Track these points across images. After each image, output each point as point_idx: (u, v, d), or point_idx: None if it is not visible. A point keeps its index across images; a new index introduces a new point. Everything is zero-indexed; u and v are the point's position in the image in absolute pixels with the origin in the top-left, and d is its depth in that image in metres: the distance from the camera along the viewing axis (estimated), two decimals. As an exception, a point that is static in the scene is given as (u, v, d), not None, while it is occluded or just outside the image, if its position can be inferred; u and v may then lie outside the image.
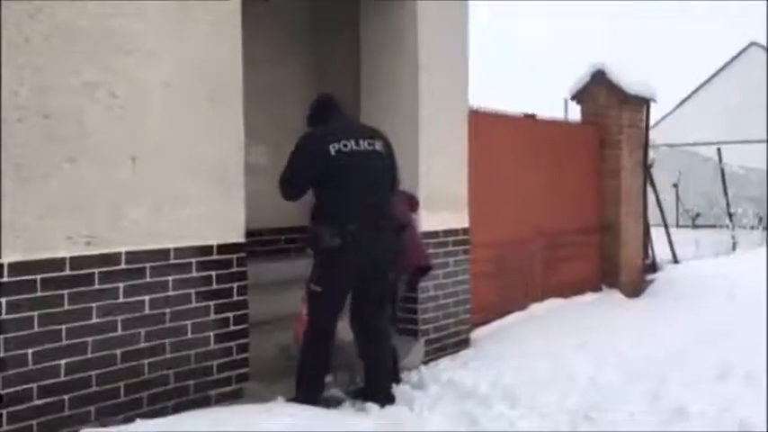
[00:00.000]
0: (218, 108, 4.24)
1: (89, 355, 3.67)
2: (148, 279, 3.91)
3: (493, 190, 6.67)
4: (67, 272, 3.58)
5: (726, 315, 6.79)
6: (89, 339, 3.66)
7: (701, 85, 24.32)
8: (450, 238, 5.88)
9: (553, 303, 7.30)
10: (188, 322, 4.09)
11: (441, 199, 5.72)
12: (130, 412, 3.80)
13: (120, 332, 3.78)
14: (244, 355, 4.37)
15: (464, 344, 5.96)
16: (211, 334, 4.21)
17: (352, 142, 4.28)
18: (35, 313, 3.47)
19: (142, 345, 3.88)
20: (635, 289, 8.62)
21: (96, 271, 3.69)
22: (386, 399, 4.41)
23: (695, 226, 16.46)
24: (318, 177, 4.24)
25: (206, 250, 4.18)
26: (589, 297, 7.86)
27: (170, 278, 4.01)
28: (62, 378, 3.57)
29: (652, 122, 9.83)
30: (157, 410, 3.91)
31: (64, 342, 3.57)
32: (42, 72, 3.50)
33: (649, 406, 4.29)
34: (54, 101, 3.54)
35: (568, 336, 6.03)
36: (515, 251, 7.09)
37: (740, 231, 13.38)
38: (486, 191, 6.41)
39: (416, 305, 5.60)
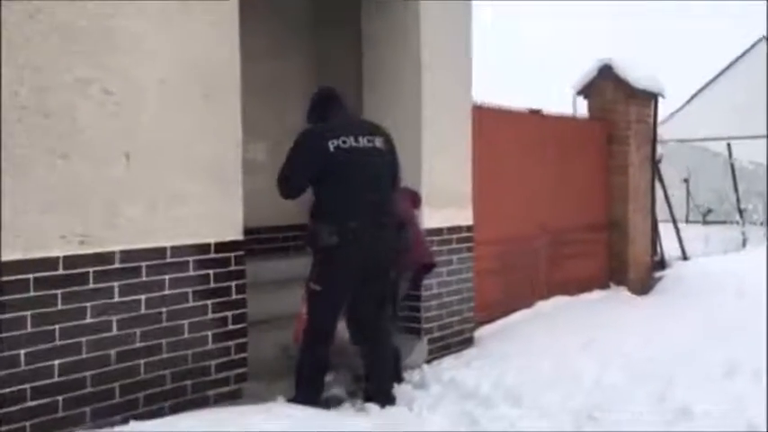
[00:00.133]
0: (215, 105, 4.19)
1: (83, 356, 3.62)
2: (144, 278, 3.86)
3: (498, 186, 6.59)
4: (61, 271, 3.53)
5: (735, 312, 6.68)
6: (83, 339, 3.62)
7: (711, 81, 24.14)
8: (454, 236, 5.81)
9: (559, 301, 7.21)
10: (185, 321, 4.04)
11: (444, 196, 5.65)
12: (126, 413, 3.75)
13: (115, 332, 3.74)
14: (242, 355, 4.31)
15: (468, 342, 5.88)
16: (209, 333, 4.16)
17: (352, 139, 4.21)
18: (28, 313, 3.43)
19: (138, 345, 3.84)
20: (643, 286, 8.51)
21: (90, 270, 3.65)
22: (386, 399, 4.35)
23: (706, 222, 16.30)
24: (317, 175, 4.17)
25: (203, 248, 4.13)
26: (596, 294, 7.76)
27: (166, 277, 3.96)
28: (56, 379, 3.53)
29: (662, 118, 9.75)
30: (154, 411, 3.86)
31: (57, 342, 3.53)
32: (40, 70, 3.47)
33: (654, 406, 4.20)
34: (47, 98, 3.49)
35: (574, 334, 5.93)
36: (521, 248, 7.01)
37: (750, 227, 13.24)
38: (491, 187, 6.33)
39: (419, 303, 5.53)
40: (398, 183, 4.61)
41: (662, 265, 9.35)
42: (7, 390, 3.37)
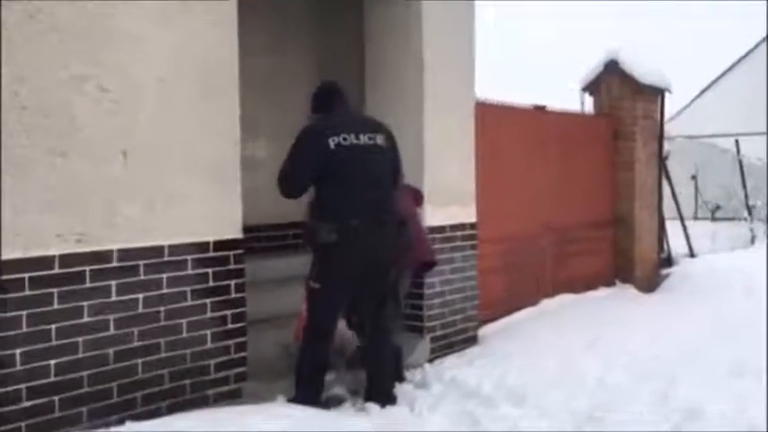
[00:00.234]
0: (214, 103, 4.15)
1: (80, 355, 3.59)
2: (142, 277, 3.83)
3: (502, 183, 6.54)
4: (57, 270, 3.50)
5: (742, 310, 6.62)
6: (80, 339, 3.59)
7: (719, 77, 23.95)
8: (458, 233, 5.75)
9: (565, 299, 7.15)
10: (183, 320, 4.01)
11: (447, 193, 5.60)
12: (124, 413, 3.72)
13: (112, 331, 3.71)
14: (242, 354, 4.28)
15: (472, 341, 5.83)
16: (208, 332, 4.12)
17: (353, 136, 4.17)
18: (23, 312, 3.40)
19: (136, 344, 3.80)
20: (649, 284, 8.45)
21: (87, 269, 3.62)
22: (387, 399, 4.30)
23: (714, 219, 16.18)
24: (318, 172, 4.13)
25: (202, 247, 4.10)
26: (602, 292, 7.70)
27: (164, 276, 3.93)
28: (52, 379, 3.50)
29: (670, 115, 9.65)
30: (152, 411, 3.83)
31: (54, 342, 3.50)
32: (39, 69, 3.45)
33: (658, 406, 4.14)
34: (45, 97, 3.47)
35: (579, 332, 5.88)
36: (525, 246, 6.96)
37: (759, 224, 13.12)
38: (495, 184, 6.29)
39: (422, 302, 5.48)
40: (400, 180, 4.56)
41: (669, 262, 9.27)
42: (2, 390, 3.34)
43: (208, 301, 4.12)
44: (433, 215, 5.48)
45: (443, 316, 5.61)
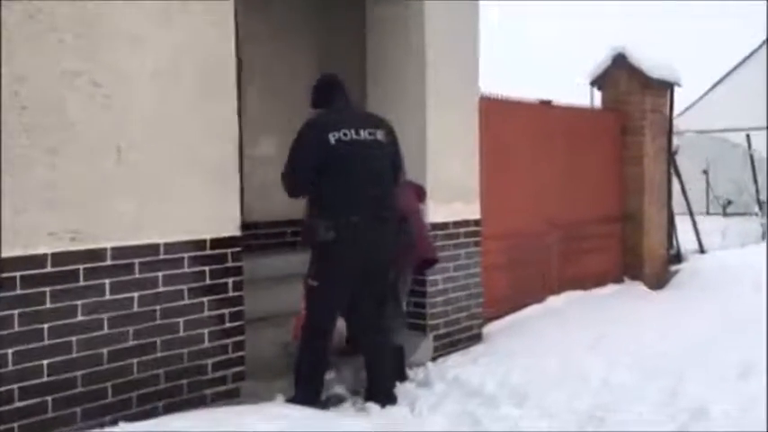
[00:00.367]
0: (211, 98, 4.09)
1: (74, 355, 3.54)
2: (137, 275, 3.78)
3: (508, 179, 6.46)
4: (49, 268, 3.45)
5: (752, 307, 6.51)
6: (73, 338, 3.54)
7: (730, 72, 23.74)
8: (461, 230, 5.68)
9: (571, 296, 7.06)
10: (180, 319, 3.95)
11: (450, 190, 5.52)
12: (119, 413, 3.67)
13: (106, 330, 3.65)
14: (240, 353, 4.22)
15: (476, 339, 5.76)
16: (205, 331, 4.06)
17: (353, 131, 4.11)
18: (15, 312, 3.35)
19: (131, 343, 3.75)
20: (658, 280, 8.34)
21: (81, 267, 3.56)
22: (387, 398, 4.24)
23: (726, 214, 16.03)
24: (318, 168, 4.07)
25: (199, 245, 4.04)
26: (609, 289, 7.60)
27: (160, 274, 3.87)
28: (45, 379, 3.45)
29: (680, 109, 9.53)
30: (148, 411, 3.78)
31: (46, 341, 3.45)
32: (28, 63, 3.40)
33: (663, 406, 4.06)
34: (36, 91, 3.42)
35: (585, 330, 5.80)
36: (531, 242, 6.87)
37: (769, 220, 12.98)
38: (500, 180, 6.21)
39: (425, 299, 5.41)
40: (401, 176, 4.49)
41: (678, 258, 9.16)
42: (-6, 390, 3.30)
43: (205, 299, 4.06)
44: (436, 212, 5.41)
45: (447, 314, 5.54)
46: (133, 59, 3.76)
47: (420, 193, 5.18)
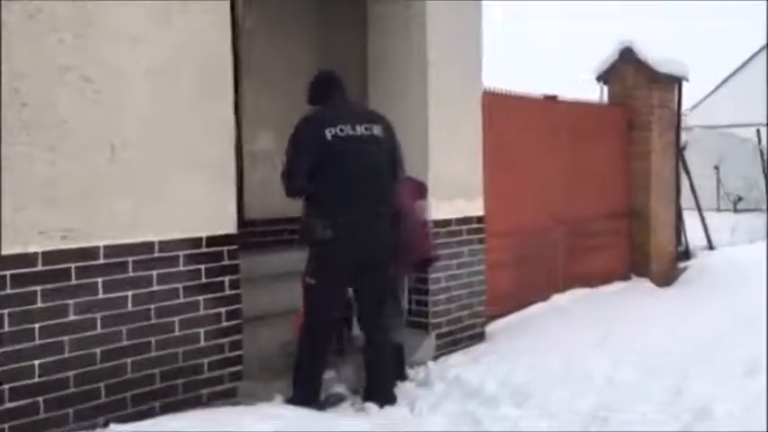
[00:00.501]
0: (207, 94, 4.03)
1: (66, 355, 3.49)
2: (131, 274, 3.72)
3: (512, 176, 6.38)
4: (40, 267, 3.40)
5: (761, 304, 6.35)
6: (65, 338, 3.49)
7: (740, 67, 23.59)
8: (464, 227, 5.60)
9: (577, 293, 6.97)
10: (175, 318, 3.90)
11: (452, 187, 5.45)
12: (112, 414, 3.63)
13: (99, 330, 3.60)
14: (237, 353, 4.16)
15: (479, 337, 5.68)
16: (201, 330, 4.01)
17: (349, 127, 4.05)
18: (5, 311, 3.30)
19: (125, 343, 3.70)
20: (666, 277, 8.23)
21: (73, 266, 3.51)
22: (386, 398, 4.18)
23: (737, 210, 15.88)
24: (315, 165, 4.00)
25: (194, 243, 3.98)
26: (616, 286, 7.50)
27: (155, 272, 3.82)
28: (36, 379, 3.40)
29: (690, 105, 9.41)
30: (143, 411, 3.74)
31: (38, 341, 3.40)
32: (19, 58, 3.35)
33: (667, 405, 3.98)
34: (29, 88, 3.37)
35: (590, 328, 5.72)
36: (536, 239, 6.79)
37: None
38: (504, 177, 6.13)
39: (427, 297, 5.34)
40: (401, 173, 4.41)
41: (686, 255, 9.05)
42: (-16, 390, 3.25)
43: (201, 298, 4.01)
44: (439, 209, 5.34)
45: (449, 312, 5.47)
46: (128, 57, 3.71)
47: (421, 190, 5.11)
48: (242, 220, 5.84)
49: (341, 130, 4.02)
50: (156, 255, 3.82)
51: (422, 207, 5.12)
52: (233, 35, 5.41)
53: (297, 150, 4.04)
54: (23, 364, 3.36)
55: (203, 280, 4.02)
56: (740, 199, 16.36)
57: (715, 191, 16.19)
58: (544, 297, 6.77)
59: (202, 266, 4.02)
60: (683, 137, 9.27)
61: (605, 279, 7.54)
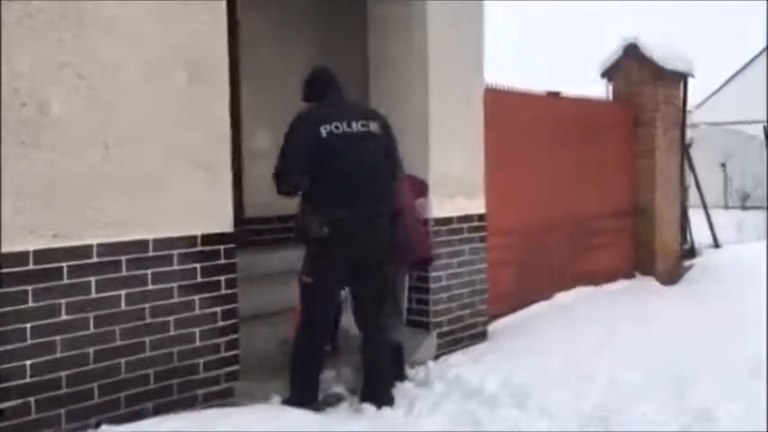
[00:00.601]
0: (201, 90, 3.98)
1: (58, 355, 3.45)
2: (124, 273, 3.68)
3: (514, 173, 6.31)
4: (31, 266, 3.35)
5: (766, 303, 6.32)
6: (57, 338, 3.44)
7: (748, 64, 23.45)
8: (465, 225, 5.54)
9: (580, 292, 6.91)
10: (170, 318, 3.85)
11: (453, 185, 5.39)
12: (106, 414, 3.58)
13: (92, 330, 3.56)
14: (233, 353, 4.11)
15: (481, 336, 5.62)
16: (196, 330, 3.96)
17: (345, 124, 3.99)
18: (-5, 311, 3.26)
19: (118, 343, 3.65)
20: (671, 276, 8.15)
21: (65, 265, 3.46)
22: (383, 399, 4.12)
23: (745, 207, 15.76)
24: (310, 162, 3.95)
25: (189, 241, 3.93)
26: (620, 285, 7.42)
27: (149, 271, 3.77)
28: (27, 380, 3.36)
29: (698, 102, 9.31)
30: (137, 412, 3.69)
31: (29, 341, 3.36)
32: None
33: (670, 406, 3.91)
34: (24, 86, 3.34)
35: (593, 327, 5.65)
36: (539, 237, 6.72)
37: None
38: (506, 174, 6.07)
39: (428, 296, 5.28)
40: (399, 171, 4.35)
41: (692, 253, 8.97)
42: (-26, 391, 3.21)
43: (196, 297, 3.96)
44: (439, 207, 5.30)
45: (450, 311, 5.41)
46: (124, 55, 3.66)
47: (421, 187, 5.06)
48: (242, 219, 5.85)
49: (336, 127, 3.96)
50: (151, 253, 3.77)
51: (422, 205, 5.07)
52: (233, 34, 5.42)
53: (291, 147, 3.99)
54: (15, 364, 3.32)
55: (199, 279, 3.97)
56: (748, 196, 16.25)
57: (722, 188, 16.09)
58: (547, 296, 6.70)
59: (198, 265, 3.97)
60: (689, 134, 9.18)
61: (609, 277, 7.47)
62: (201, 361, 3.98)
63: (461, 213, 5.50)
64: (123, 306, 3.67)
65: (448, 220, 5.39)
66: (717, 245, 9.74)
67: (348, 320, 4.52)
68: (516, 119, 6.36)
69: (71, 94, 3.48)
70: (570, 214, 7.07)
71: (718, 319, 5.92)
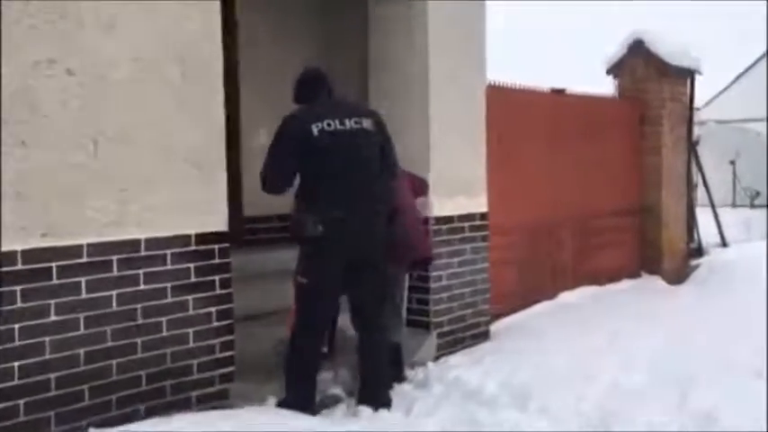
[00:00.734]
0: (195, 87, 3.90)
1: (47, 356, 3.38)
2: (115, 273, 3.61)
3: (517, 171, 6.25)
4: (20, 266, 3.29)
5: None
6: (47, 339, 3.38)
7: (756, 61, 23.25)
8: (467, 224, 5.47)
9: (585, 292, 6.83)
10: (163, 319, 3.78)
11: (454, 183, 5.32)
12: (96, 416, 3.52)
13: (82, 331, 3.49)
14: (228, 354, 4.04)
15: (483, 337, 5.54)
16: (190, 331, 3.89)
17: (336, 122, 3.91)
18: (-17, 311, 3.20)
19: (109, 344, 3.58)
20: (678, 275, 8.06)
21: (54, 265, 3.40)
22: (380, 401, 4.04)
23: (753, 206, 15.61)
24: (302, 161, 3.88)
25: (183, 240, 3.86)
26: (625, 284, 7.35)
27: (141, 271, 3.70)
28: (16, 381, 3.29)
29: (706, 99, 9.19)
30: (128, 414, 3.62)
31: (17, 342, 3.29)
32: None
33: (673, 409, 3.83)
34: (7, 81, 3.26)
35: (597, 327, 5.58)
36: (543, 236, 6.65)
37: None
38: (509, 172, 6.00)
39: (428, 296, 5.21)
40: (395, 169, 4.26)
41: (699, 252, 8.87)
42: (-39, 393, 3.16)
43: (190, 297, 3.89)
44: (440, 205, 5.23)
45: (451, 311, 5.34)
46: (113, 51, 3.59)
47: (422, 186, 4.99)
48: (241, 217, 5.79)
49: (328, 125, 3.89)
50: (143, 253, 3.70)
51: (423, 204, 5.00)
52: (232, 35, 5.36)
53: (278, 147, 3.93)
54: (2, 365, 3.25)
55: (193, 279, 3.90)
56: (758, 194, 16.09)
57: (731, 186, 15.94)
58: (551, 295, 6.63)
59: (191, 265, 3.90)
60: (696, 131, 9.07)
61: (615, 277, 7.39)
62: (195, 362, 3.91)
63: (462, 212, 5.43)
64: (114, 306, 3.60)
65: (449, 219, 5.32)
66: (724, 244, 9.63)
67: (345, 321, 4.45)
68: (520, 116, 6.29)
69: (59, 90, 3.41)
70: (575, 213, 6.99)
71: (725, 319, 5.85)
